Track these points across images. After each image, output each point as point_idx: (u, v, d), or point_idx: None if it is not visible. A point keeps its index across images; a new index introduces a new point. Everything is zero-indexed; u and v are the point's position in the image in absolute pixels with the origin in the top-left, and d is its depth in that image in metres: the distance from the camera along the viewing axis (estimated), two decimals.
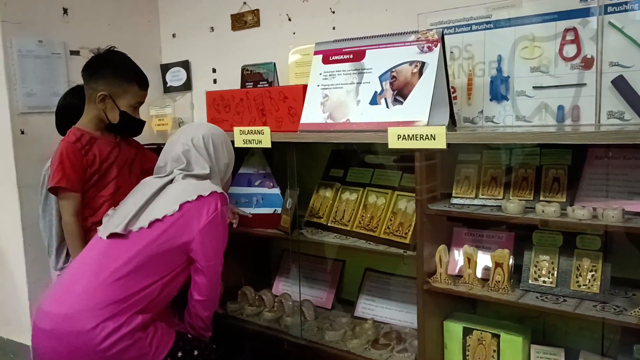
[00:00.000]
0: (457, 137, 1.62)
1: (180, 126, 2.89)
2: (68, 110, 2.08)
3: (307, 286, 2.37)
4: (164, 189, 1.64)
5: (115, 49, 1.90)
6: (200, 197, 1.57)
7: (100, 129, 1.89)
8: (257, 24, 2.63)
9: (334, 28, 2.36)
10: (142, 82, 1.89)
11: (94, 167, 1.82)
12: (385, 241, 1.92)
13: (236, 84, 2.52)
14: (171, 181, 1.67)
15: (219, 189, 1.66)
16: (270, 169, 2.33)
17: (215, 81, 2.84)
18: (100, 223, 1.82)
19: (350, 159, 2.24)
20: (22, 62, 2.45)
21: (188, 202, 1.56)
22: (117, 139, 1.95)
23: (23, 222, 2.50)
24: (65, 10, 2.62)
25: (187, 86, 2.95)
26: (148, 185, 1.69)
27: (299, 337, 2.10)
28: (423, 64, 1.73)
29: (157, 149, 2.38)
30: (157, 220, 1.53)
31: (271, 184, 2.28)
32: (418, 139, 1.62)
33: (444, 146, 1.59)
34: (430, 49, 1.73)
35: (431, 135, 1.60)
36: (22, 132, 2.48)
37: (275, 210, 2.23)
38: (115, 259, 1.50)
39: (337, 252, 2.37)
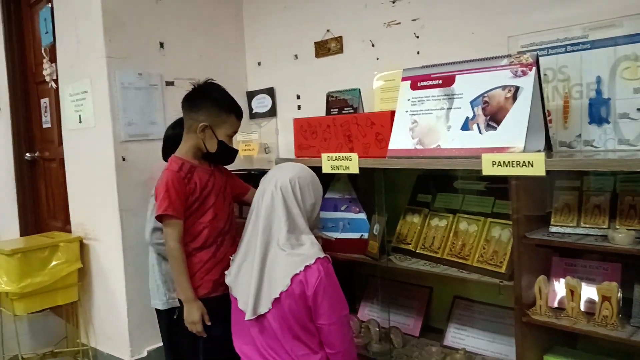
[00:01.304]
0: (557, 164, 1.56)
1: (266, 152, 2.99)
2: (175, 140, 2.17)
3: (393, 312, 2.34)
4: (267, 253, 1.75)
5: (213, 81, 2.00)
6: (307, 267, 1.68)
7: (198, 157, 1.98)
8: (340, 50, 2.68)
9: (418, 52, 2.36)
10: (238, 113, 1.98)
11: (195, 195, 1.91)
12: (478, 270, 1.87)
13: (320, 110, 2.57)
14: (268, 242, 1.76)
15: (321, 253, 1.74)
16: (356, 194, 2.34)
17: (299, 107, 2.91)
18: (200, 249, 1.91)
19: (438, 185, 2.21)
20: (124, 94, 2.63)
21: (297, 274, 1.68)
22: (212, 167, 2.04)
23: (124, 243, 2.66)
24: (161, 44, 2.79)
25: (272, 112, 3.05)
26: (253, 245, 1.79)
27: None
28: (517, 88, 1.68)
29: (246, 174, 2.48)
30: (276, 299, 1.69)
31: (357, 209, 2.29)
32: (515, 165, 1.57)
33: (543, 173, 1.53)
34: (524, 73, 1.68)
35: (529, 162, 1.55)
36: (124, 159, 2.65)
37: (362, 235, 2.23)
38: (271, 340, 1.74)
39: (424, 278, 2.33)
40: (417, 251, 2.10)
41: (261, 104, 3.09)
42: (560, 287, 1.73)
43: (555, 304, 1.73)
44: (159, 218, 1.88)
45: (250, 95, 3.14)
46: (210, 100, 1.92)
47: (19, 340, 2.75)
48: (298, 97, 2.91)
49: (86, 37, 2.69)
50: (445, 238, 2.03)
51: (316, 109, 2.63)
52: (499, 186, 1.97)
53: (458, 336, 2.19)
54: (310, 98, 2.85)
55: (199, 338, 1.92)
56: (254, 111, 3.13)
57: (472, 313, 2.20)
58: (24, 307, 2.74)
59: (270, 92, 3.04)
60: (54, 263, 2.77)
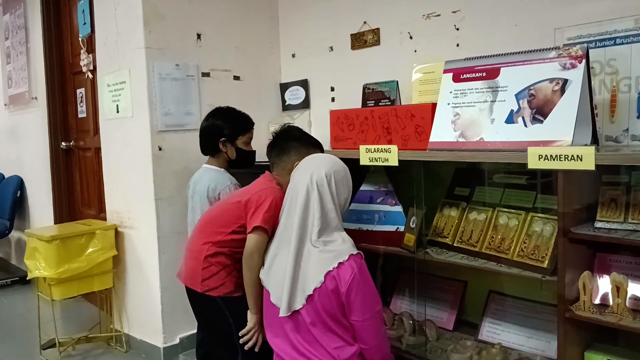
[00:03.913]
0: (606, 158, 1.53)
1: None
2: (211, 131, 2.34)
3: (427, 306, 2.33)
4: (301, 249, 1.75)
5: (290, 125, 2.22)
6: (340, 263, 1.69)
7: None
8: (377, 42, 2.66)
9: (457, 45, 2.34)
10: (320, 147, 2.10)
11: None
12: (519, 264, 1.85)
13: (354, 103, 2.57)
14: (302, 238, 1.76)
15: (354, 249, 1.74)
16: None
17: (333, 99, 2.91)
18: (239, 261, 1.95)
19: (476, 178, 2.19)
20: (161, 85, 2.67)
21: (330, 271, 1.68)
22: None
23: (158, 232, 2.70)
24: (198, 36, 2.82)
25: (305, 104, 3.05)
26: (286, 240, 1.80)
27: (423, 358, 2.08)
28: (566, 81, 1.66)
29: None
30: (310, 295, 1.70)
31: (393, 202, 2.28)
32: (562, 159, 1.55)
33: (593, 167, 1.50)
34: (573, 66, 1.66)
35: (578, 156, 1.53)
36: (160, 149, 2.69)
37: (398, 228, 2.23)
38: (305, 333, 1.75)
39: (459, 272, 2.32)
40: (455, 245, 2.09)
41: (294, 95, 3.10)
42: (603, 283, 1.70)
43: (597, 301, 1.71)
44: (254, 228, 1.89)
45: (284, 87, 3.15)
46: (296, 141, 2.04)
47: (55, 325, 2.82)
48: (332, 89, 2.91)
49: (126, 29, 2.73)
50: (483, 232, 2.02)
51: (351, 101, 2.63)
52: (541, 181, 1.96)
53: (493, 331, 2.18)
54: (344, 90, 2.84)
55: (235, 331, 1.96)
56: (287, 103, 3.15)
57: (508, 308, 2.18)
58: (61, 292, 2.80)
59: (304, 84, 3.05)
60: (90, 250, 2.83)
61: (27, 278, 2.90)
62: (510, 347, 2.08)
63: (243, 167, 2.44)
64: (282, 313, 1.73)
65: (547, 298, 1.99)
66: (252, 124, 2.41)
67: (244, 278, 1.93)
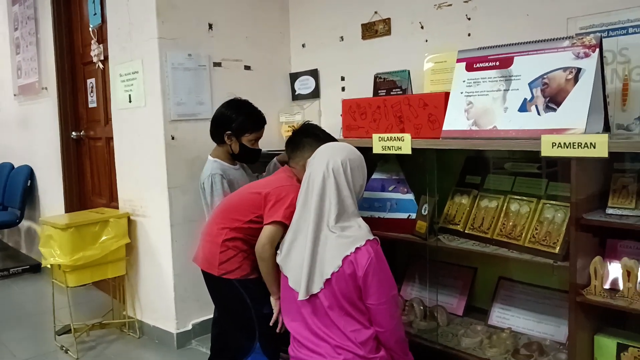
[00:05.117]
0: (620, 145, 1.56)
1: None
2: (220, 121, 2.38)
3: (437, 292, 2.37)
4: (318, 235, 1.79)
5: (309, 122, 2.30)
6: (357, 248, 1.73)
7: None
8: (388, 32, 2.68)
9: (469, 34, 2.36)
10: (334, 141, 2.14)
11: None
12: (530, 250, 1.89)
13: (365, 92, 2.60)
14: (319, 224, 1.80)
15: (371, 235, 1.78)
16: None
17: (343, 89, 2.94)
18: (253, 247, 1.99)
19: (487, 167, 2.22)
20: (174, 74, 2.69)
21: (347, 255, 1.73)
22: None
23: (171, 220, 2.74)
24: (210, 26, 2.84)
25: (315, 94, 3.08)
26: (304, 226, 1.83)
27: (435, 342, 2.12)
28: (579, 69, 1.68)
29: None
30: (327, 279, 1.75)
31: (405, 190, 2.31)
32: (575, 147, 1.58)
33: (606, 155, 1.54)
34: (587, 55, 1.68)
35: (591, 143, 1.56)
36: (173, 138, 2.72)
37: (410, 215, 2.26)
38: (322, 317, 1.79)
39: (469, 259, 2.36)
40: (466, 231, 2.12)
41: (304, 85, 3.12)
42: (613, 269, 1.74)
43: (608, 285, 1.74)
44: (273, 221, 1.94)
45: (294, 77, 3.18)
46: (311, 137, 2.11)
47: (71, 311, 2.86)
48: (342, 78, 2.94)
49: (138, 19, 2.75)
50: (495, 219, 2.05)
51: (361, 91, 2.66)
52: (552, 169, 1.99)
53: (503, 316, 2.22)
54: (355, 80, 2.87)
55: (253, 315, 2.00)
56: (297, 93, 3.17)
57: (516, 293, 2.22)
58: (76, 279, 2.85)
59: (314, 73, 3.07)
60: (104, 238, 2.87)
61: (42, 265, 2.94)
62: (520, 332, 2.12)
63: (246, 163, 2.47)
64: (301, 297, 1.77)
65: (557, 284, 2.03)
66: (263, 123, 2.41)
67: (259, 268, 1.97)
